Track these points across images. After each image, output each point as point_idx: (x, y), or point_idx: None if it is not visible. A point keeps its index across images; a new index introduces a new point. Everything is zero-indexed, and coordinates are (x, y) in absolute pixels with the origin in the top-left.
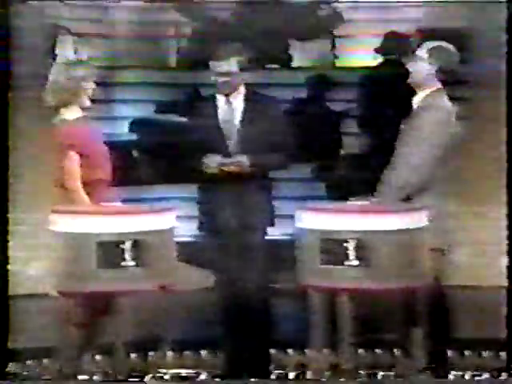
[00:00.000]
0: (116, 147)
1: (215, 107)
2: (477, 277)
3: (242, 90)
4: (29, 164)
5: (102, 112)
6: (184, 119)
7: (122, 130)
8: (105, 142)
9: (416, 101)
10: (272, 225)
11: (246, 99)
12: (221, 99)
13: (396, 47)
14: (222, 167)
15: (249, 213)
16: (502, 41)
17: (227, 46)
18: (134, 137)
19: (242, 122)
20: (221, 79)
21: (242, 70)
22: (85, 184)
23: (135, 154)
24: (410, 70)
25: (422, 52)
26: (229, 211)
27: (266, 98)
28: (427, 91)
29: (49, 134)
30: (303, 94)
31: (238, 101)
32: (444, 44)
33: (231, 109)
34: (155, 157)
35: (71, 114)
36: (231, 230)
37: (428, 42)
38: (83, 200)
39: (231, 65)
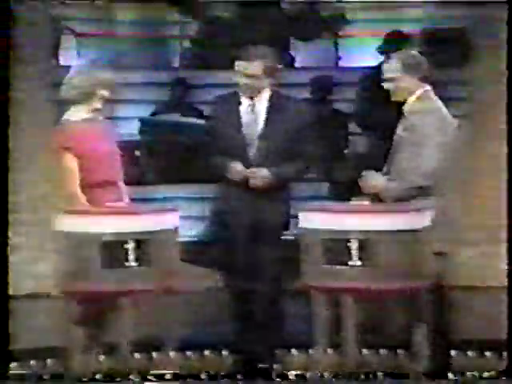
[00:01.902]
0: (118, 147)
1: (238, 109)
2: (477, 277)
3: (267, 93)
4: (30, 164)
5: (106, 112)
6: (196, 120)
7: (125, 130)
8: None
9: (407, 107)
10: (286, 229)
11: (271, 102)
12: (245, 102)
13: (397, 46)
14: (245, 177)
15: (264, 215)
16: (502, 41)
17: (256, 48)
18: (138, 137)
19: (264, 125)
20: (244, 80)
21: (267, 73)
22: (87, 186)
23: (138, 153)
24: (391, 87)
25: (391, 64)
26: (244, 211)
27: (291, 100)
28: (414, 96)
29: (50, 133)
30: (306, 94)
31: (262, 104)
32: (410, 52)
33: (254, 112)
34: (159, 157)
35: (76, 114)
36: (245, 230)
37: (394, 54)
38: (80, 202)
39: (257, 67)
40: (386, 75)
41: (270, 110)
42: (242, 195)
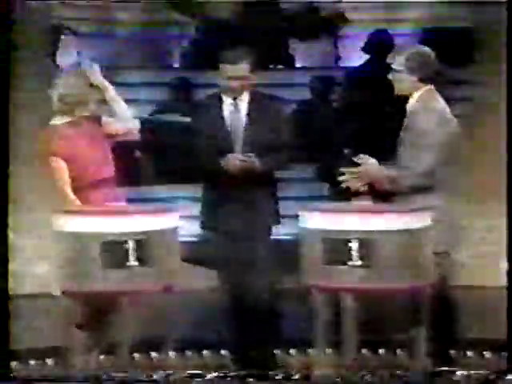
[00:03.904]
0: (117, 147)
1: (221, 108)
2: (477, 277)
3: (248, 91)
4: (30, 164)
5: (104, 112)
6: (188, 119)
7: None
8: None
9: (409, 106)
10: (278, 223)
11: (252, 100)
12: (227, 100)
13: (381, 46)
14: (239, 164)
15: (253, 212)
16: (502, 41)
17: (239, 50)
18: (137, 137)
19: (247, 122)
20: (232, 83)
21: (250, 72)
22: (82, 186)
23: (138, 153)
24: (393, 81)
25: (398, 63)
26: (234, 210)
27: (271, 98)
28: (416, 95)
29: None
30: (306, 94)
31: (244, 102)
32: (418, 49)
33: (237, 110)
34: (159, 157)
35: (62, 118)
36: (235, 229)
37: (402, 52)
38: (72, 203)
39: (243, 69)
40: (393, 66)
41: (252, 106)
42: (232, 192)
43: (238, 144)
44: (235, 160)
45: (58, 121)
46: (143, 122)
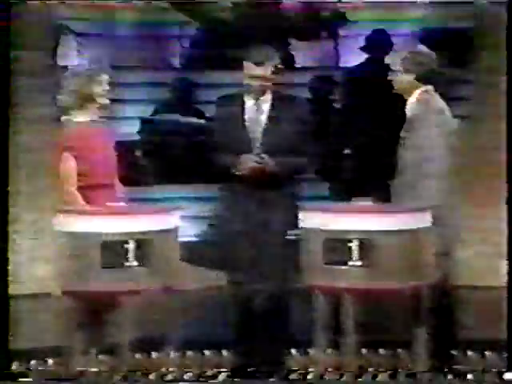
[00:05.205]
0: (118, 147)
1: (243, 108)
2: (477, 277)
3: (270, 92)
4: (30, 163)
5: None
6: (196, 120)
7: (125, 130)
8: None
9: (408, 107)
10: (295, 227)
11: (274, 101)
12: (249, 101)
13: (379, 45)
14: (255, 165)
15: (267, 215)
16: (502, 41)
17: (265, 51)
18: (138, 137)
19: (268, 123)
20: (253, 82)
21: (274, 74)
22: (86, 187)
23: (138, 153)
24: (394, 80)
25: (395, 63)
26: (248, 213)
27: (294, 99)
28: (415, 95)
29: (49, 133)
30: (306, 94)
31: (266, 103)
32: (415, 49)
33: (259, 111)
34: (159, 157)
35: (80, 116)
36: (249, 231)
37: (399, 52)
38: (77, 201)
39: (267, 69)
40: (391, 66)
41: (273, 107)
42: (249, 193)
43: (256, 145)
44: (249, 161)
45: (75, 117)
46: (143, 121)
